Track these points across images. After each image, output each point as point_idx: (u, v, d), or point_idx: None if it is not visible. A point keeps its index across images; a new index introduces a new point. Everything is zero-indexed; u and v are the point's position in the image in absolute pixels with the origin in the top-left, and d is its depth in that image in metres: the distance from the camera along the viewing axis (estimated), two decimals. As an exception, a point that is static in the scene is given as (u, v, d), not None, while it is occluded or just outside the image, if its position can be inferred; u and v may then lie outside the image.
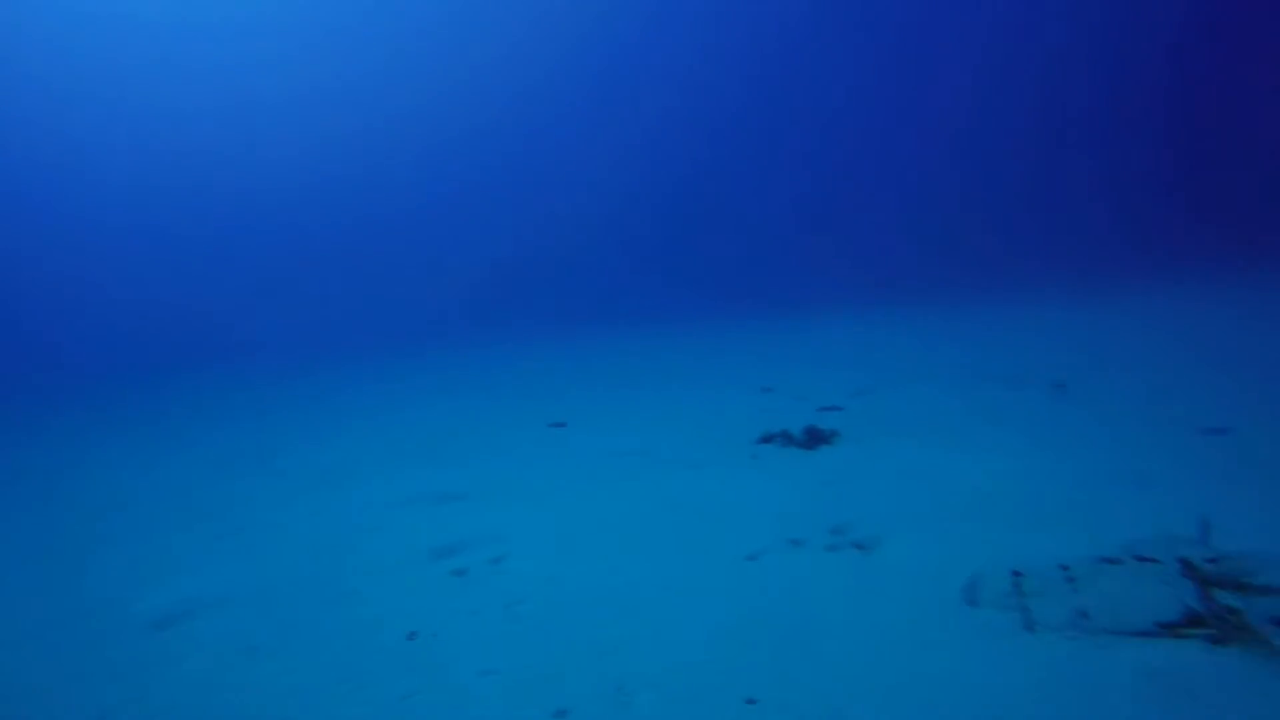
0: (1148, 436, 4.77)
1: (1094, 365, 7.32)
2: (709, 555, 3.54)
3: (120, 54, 45.89)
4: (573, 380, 9.88)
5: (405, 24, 46.52)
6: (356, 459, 6.45)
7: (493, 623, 3.07)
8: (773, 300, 19.26)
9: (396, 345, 18.35)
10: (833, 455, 5.07)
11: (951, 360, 8.35)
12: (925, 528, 3.61)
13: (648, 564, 3.52)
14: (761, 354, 10.34)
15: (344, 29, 46.70)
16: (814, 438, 5.42)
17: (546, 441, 6.41)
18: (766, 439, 5.58)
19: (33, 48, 44.82)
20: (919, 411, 6.02)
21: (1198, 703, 2.11)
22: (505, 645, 2.86)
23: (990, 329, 10.87)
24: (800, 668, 2.50)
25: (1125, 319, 10.50)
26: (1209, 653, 2.32)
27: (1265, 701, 2.07)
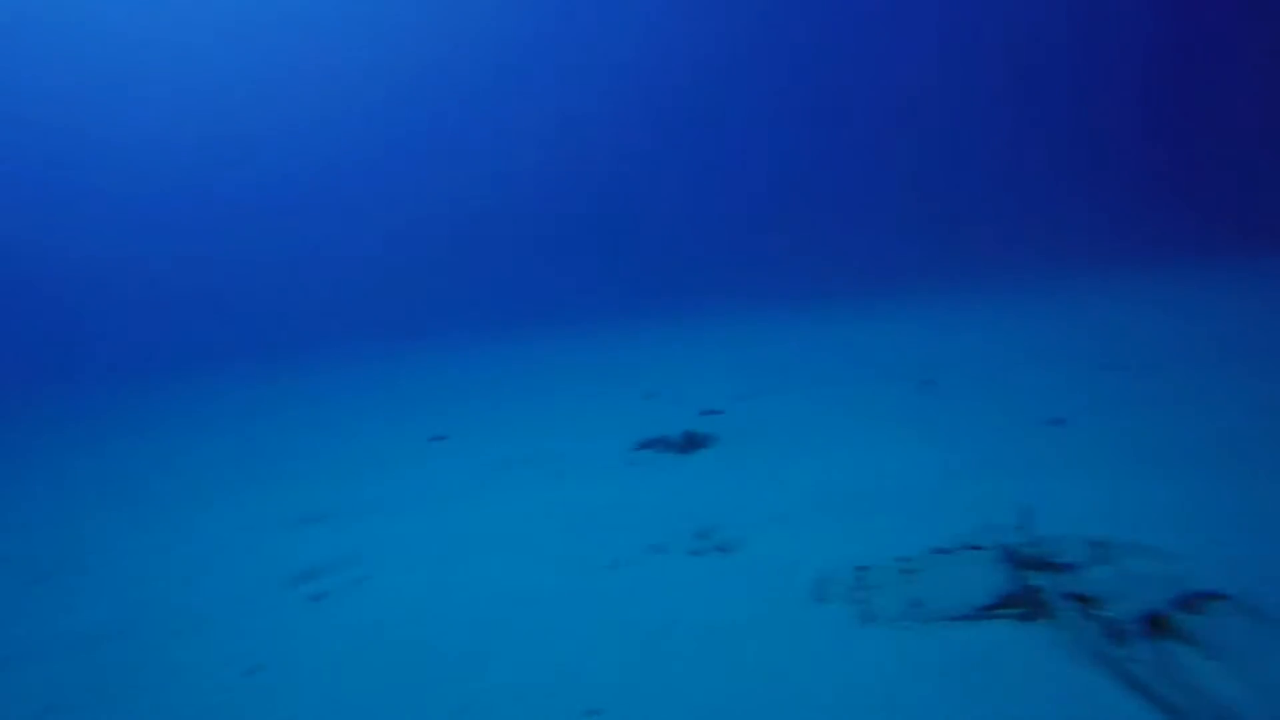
0: (996, 429, 5.11)
1: (963, 362, 7.77)
2: (573, 565, 3.53)
3: (105, 55, 42.10)
4: (457, 391, 9.68)
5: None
6: (211, 482, 6.08)
7: (346, 648, 2.95)
8: (658, 305, 19.35)
9: (258, 356, 17.38)
10: (708, 459, 5.18)
11: (833, 362, 8.68)
12: (787, 527, 3.73)
13: (511, 577, 3.47)
14: (646, 359, 10.45)
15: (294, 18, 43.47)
16: (691, 442, 5.51)
17: (425, 456, 6.25)
18: (645, 445, 5.63)
19: (37, 43, 40.75)
20: (795, 413, 6.24)
21: (1005, 676, 2.27)
22: (357, 672, 2.76)
23: (877, 330, 11.36)
24: (648, 674, 2.52)
25: (1005, 316, 11.18)
26: (1018, 630, 2.49)
27: (1057, 669, 2.24)
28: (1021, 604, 2.58)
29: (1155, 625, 2.35)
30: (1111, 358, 7.12)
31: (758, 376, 8.21)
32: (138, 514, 5.34)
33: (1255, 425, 4.49)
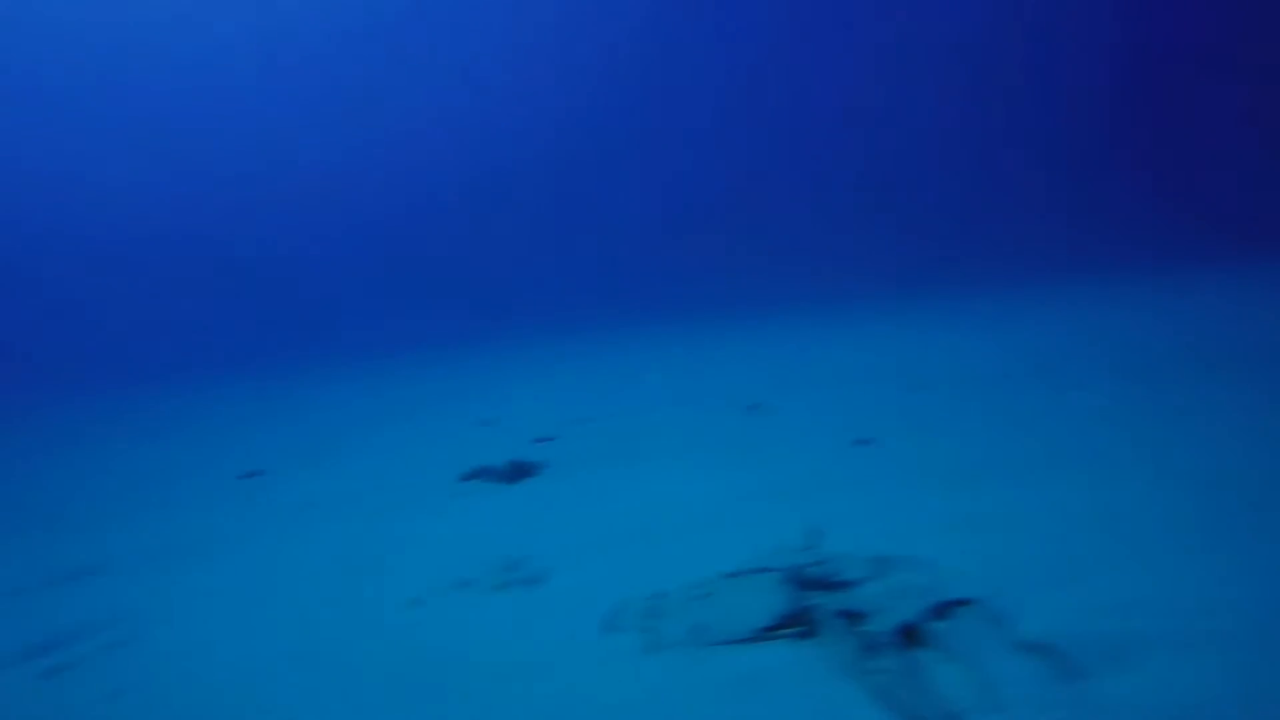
0: (807, 451, 5.36)
1: (791, 385, 8.14)
2: (369, 607, 3.32)
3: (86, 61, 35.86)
4: (279, 422, 9.02)
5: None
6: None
7: (79, 725, 2.59)
8: (501, 328, 18.96)
9: (51, 379, 15.45)
10: (533, 488, 5.09)
11: (672, 384, 8.86)
12: (596, 556, 3.70)
13: (298, 625, 3.21)
14: (487, 385, 10.23)
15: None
16: (518, 472, 5.40)
17: (231, 494, 5.74)
18: (471, 475, 5.47)
19: (36, 52, 34.09)
20: (625, 438, 6.28)
21: (773, 695, 2.33)
22: (86, 752, 2.42)
23: (715, 354, 11.73)
24: (433, 716, 2.39)
25: (840, 339, 11.87)
26: (792, 649, 2.58)
27: (819, 685, 2.33)
28: (798, 623, 2.67)
29: (908, 635, 2.51)
30: (931, 377, 7.68)
31: (596, 399, 8.23)
32: None
33: (1038, 439, 4.97)
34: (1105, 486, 3.92)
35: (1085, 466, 4.28)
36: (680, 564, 3.44)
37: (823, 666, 2.43)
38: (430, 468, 5.96)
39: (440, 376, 11.81)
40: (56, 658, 3.15)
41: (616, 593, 3.21)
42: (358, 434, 7.81)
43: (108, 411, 11.80)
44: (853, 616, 2.64)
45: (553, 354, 13.19)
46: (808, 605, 2.74)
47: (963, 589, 2.86)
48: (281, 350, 19.43)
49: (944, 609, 2.67)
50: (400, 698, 2.55)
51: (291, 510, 5.15)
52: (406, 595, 3.42)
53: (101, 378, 16.84)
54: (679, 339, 13.88)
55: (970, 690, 2.19)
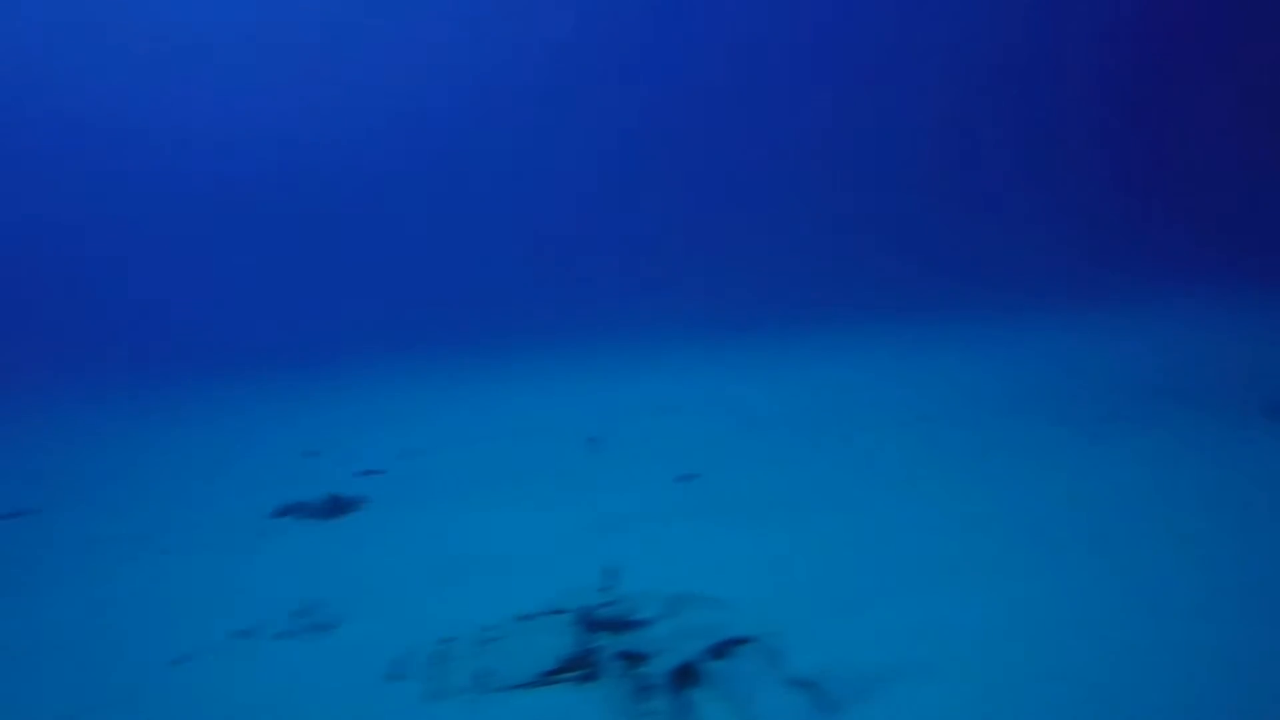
0: (631, 486, 5.43)
1: (638, 417, 8.11)
2: (125, 666, 3.02)
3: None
4: (66, 448, 8.10)
5: None
6: None
7: None
8: (330, 353, 17.79)
9: None
10: (348, 526, 4.85)
11: (515, 415, 8.71)
12: (396, 598, 3.57)
13: (35, 697, 2.86)
14: (319, 410, 9.69)
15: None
16: (336, 507, 5.14)
17: (-9, 534, 5.07)
18: (283, 511, 5.14)
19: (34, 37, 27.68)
20: (457, 472, 6.13)
21: (545, 746, 2.32)
22: None
23: (567, 383, 11.61)
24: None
25: (702, 369, 11.89)
26: (573, 693, 2.59)
27: (589, 735, 2.35)
28: (580, 666, 2.69)
29: (685, 675, 2.58)
30: (776, 413, 7.80)
31: (435, 429, 7.98)
32: None
33: (851, 477, 5.25)
34: (897, 524, 4.24)
35: (884, 504, 4.59)
36: (479, 606, 3.39)
37: (599, 711, 2.45)
38: (240, 503, 5.55)
39: (269, 399, 11.01)
40: None
41: (409, 637, 3.11)
42: (164, 463, 7.13)
43: None
44: (634, 658, 2.69)
45: (397, 377, 12.63)
46: (592, 647, 2.77)
47: (745, 626, 2.99)
48: (77, 364, 17.32)
49: (724, 648, 2.78)
50: (139, 767, 2.33)
51: (63, 556, 4.61)
52: (174, 651, 3.14)
53: None
54: (532, 365, 13.70)
55: (731, 728, 2.29)
